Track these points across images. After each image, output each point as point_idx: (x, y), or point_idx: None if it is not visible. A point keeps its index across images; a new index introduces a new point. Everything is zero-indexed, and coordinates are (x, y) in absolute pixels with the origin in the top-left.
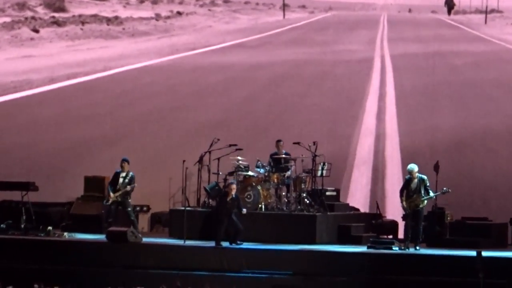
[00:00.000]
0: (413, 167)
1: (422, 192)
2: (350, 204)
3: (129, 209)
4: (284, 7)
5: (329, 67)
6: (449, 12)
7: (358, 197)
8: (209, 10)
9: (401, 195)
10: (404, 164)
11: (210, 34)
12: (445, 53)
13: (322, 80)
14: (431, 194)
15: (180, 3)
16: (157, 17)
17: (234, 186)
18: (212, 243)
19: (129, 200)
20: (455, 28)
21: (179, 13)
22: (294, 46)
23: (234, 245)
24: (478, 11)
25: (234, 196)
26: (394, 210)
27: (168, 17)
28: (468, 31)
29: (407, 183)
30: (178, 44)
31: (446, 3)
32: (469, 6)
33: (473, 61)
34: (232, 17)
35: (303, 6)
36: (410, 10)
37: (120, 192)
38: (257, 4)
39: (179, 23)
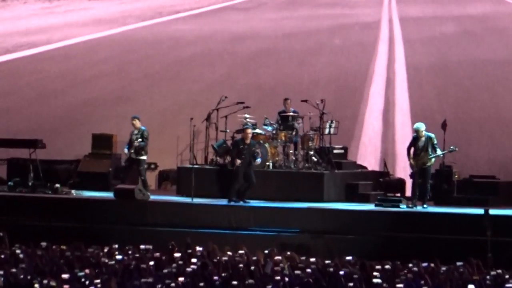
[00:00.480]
0: (420, 125)
1: (430, 150)
2: (359, 162)
3: (141, 167)
4: None
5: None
6: None
7: (367, 155)
8: None
9: (408, 153)
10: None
11: None
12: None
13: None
14: (439, 152)
15: None
16: None
17: (250, 131)
18: (220, 201)
19: (144, 158)
20: None
21: None
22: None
23: (242, 203)
24: None
25: (250, 142)
26: (403, 168)
27: None
28: None
29: (414, 141)
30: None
31: None
32: None
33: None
34: None
35: None
36: None
37: (133, 148)
38: None
39: None
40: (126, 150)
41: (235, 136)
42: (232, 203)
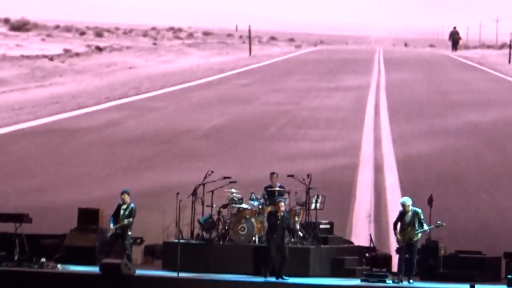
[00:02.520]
0: (406, 200)
1: (416, 225)
2: (347, 237)
3: (126, 242)
4: (251, 41)
5: None
6: (454, 47)
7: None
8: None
9: (394, 228)
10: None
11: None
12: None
13: None
14: (425, 227)
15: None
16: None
17: (282, 204)
18: (205, 276)
19: (130, 234)
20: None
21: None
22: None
23: (280, 280)
24: (485, 45)
25: (284, 215)
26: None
27: None
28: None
29: (401, 215)
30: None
31: (450, 36)
32: (477, 40)
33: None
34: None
35: (292, 40)
36: (406, 44)
37: (118, 225)
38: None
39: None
40: (112, 225)
41: (221, 211)
42: (268, 279)
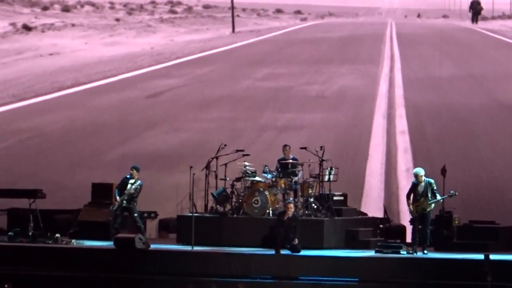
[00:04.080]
0: (419, 170)
1: (429, 195)
2: (362, 209)
3: (135, 214)
4: (233, 16)
5: None
6: (474, 19)
7: (367, 202)
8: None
9: (407, 199)
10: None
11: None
12: None
13: None
14: (438, 197)
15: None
16: None
17: (292, 206)
18: (220, 249)
19: (136, 206)
20: None
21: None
22: None
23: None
24: (505, 16)
25: (292, 215)
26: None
27: None
28: None
29: (413, 186)
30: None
31: (471, 7)
32: (491, 10)
33: None
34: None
35: (298, 12)
36: (419, 15)
37: (125, 196)
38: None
39: None
40: (118, 197)
41: (235, 184)
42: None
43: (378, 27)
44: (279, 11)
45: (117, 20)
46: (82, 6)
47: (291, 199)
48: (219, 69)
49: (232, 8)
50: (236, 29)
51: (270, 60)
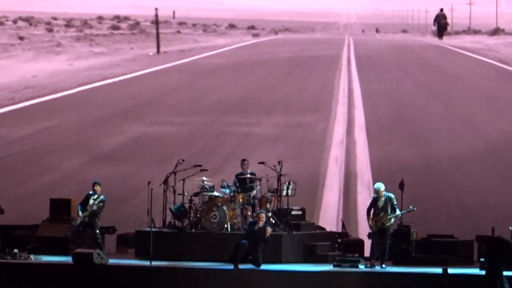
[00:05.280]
0: (380, 185)
1: (389, 210)
2: (319, 223)
3: (97, 231)
4: (158, 34)
5: None
6: (440, 34)
7: (326, 216)
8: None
9: (368, 213)
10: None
11: None
12: None
13: None
14: (397, 212)
15: None
16: None
17: (263, 215)
18: (177, 263)
19: (98, 222)
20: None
21: None
22: None
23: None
24: (471, 30)
25: (263, 225)
26: (364, 229)
27: None
28: None
29: (374, 201)
30: None
31: (436, 21)
32: (466, 25)
33: None
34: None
35: (252, 27)
36: (377, 30)
37: (87, 212)
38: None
39: None
40: (80, 213)
41: (193, 199)
42: None
43: (335, 45)
44: (232, 26)
45: (21, 38)
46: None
47: (262, 210)
48: (64, 124)
49: (157, 24)
50: (168, 48)
51: (161, 104)
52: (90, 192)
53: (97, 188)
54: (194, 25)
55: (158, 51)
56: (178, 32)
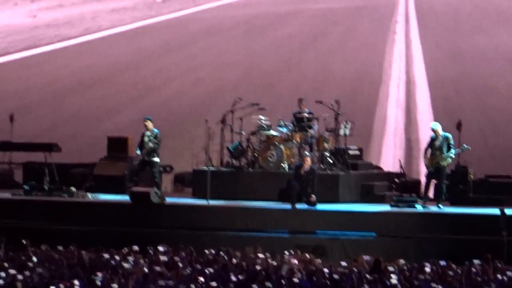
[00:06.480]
0: (436, 125)
1: (445, 150)
2: (375, 163)
3: (155, 169)
4: None
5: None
6: None
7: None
8: None
9: (425, 153)
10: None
11: None
12: None
13: None
14: (452, 151)
15: None
16: None
17: (309, 159)
18: (236, 202)
19: (157, 161)
20: None
21: None
22: None
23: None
24: None
25: (309, 169)
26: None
27: None
28: None
29: (431, 141)
30: None
31: None
32: None
33: None
34: None
35: None
36: None
37: (145, 150)
38: None
39: None
40: (138, 152)
41: (250, 138)
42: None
43: None
44: None
45: None
46: None
47: (306, 152)
48: None
49: None
50: None
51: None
52: (144, 131)
53: (148, 123)
54: None
55: None
56: None
